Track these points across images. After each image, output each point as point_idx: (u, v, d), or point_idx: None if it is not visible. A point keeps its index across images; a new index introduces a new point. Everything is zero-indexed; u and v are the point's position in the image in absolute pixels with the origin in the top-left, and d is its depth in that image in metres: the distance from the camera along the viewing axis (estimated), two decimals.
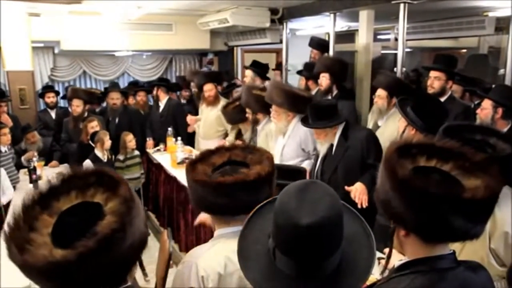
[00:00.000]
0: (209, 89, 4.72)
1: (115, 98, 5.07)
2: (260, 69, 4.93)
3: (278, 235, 0.98)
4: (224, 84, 5.88)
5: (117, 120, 5.08)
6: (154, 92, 5.44)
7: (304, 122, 2.96)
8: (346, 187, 2.69)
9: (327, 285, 0.97)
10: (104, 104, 5.70)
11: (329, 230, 0.94)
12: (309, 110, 2.90)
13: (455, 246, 1.78)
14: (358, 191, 2.65)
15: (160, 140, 5.18)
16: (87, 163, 4.22)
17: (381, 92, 3.36)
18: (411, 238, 1.11)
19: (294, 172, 2.06)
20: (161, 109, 5.36)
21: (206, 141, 4.83)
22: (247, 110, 3.92)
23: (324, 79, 3.98)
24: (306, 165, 3.25)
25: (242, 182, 1.35)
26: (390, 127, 3.12)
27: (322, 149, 2.91)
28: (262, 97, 3.57)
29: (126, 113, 5.17)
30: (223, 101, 4.72)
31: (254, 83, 4.59)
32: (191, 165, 1.46)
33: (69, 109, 5.06)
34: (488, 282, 1.18)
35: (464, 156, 1.14)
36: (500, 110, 2.65)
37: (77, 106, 4.73)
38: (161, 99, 5.35)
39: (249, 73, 4.83)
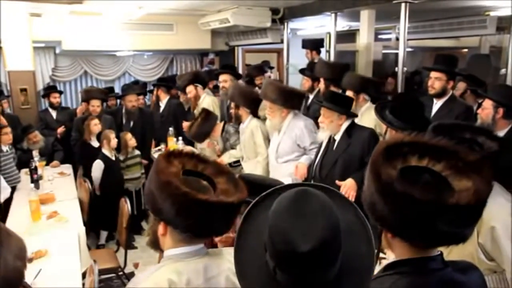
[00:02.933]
0: (189, 91, 4.78)
1: (133, 100, 5.01)
2: (232, 70, 4.94)
3: (276, 258, 0.93)
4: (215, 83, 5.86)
5: (131, 123, 5.05)
6: (155, 92, 5.44)
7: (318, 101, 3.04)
8: (337, 182, 2.75)
9: None
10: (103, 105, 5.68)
11: (330, 250, 0.90)
12: (327, 94, 3.03)
13: None
14: (347, 187, 2.71)
15: (161, 140, 5.18)
16: (98, 163, 4.25)
17: (348, 92, 3.53)
18: (398, 239, 1.09)
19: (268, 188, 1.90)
20: (161, 109, 5.36)
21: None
22: (231, 105, 3.93)
23: (322, 84, 4.07)
24: (304, 160, 3.28)
25: (224, 205, 1.22)
26: (366, 122, 3.22)
27: (323, 136, 2.95)
28: (248, 92, 3.74)
29: (141, 115, 5.13)
30: (207, 98, 4.75)
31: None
32: (167, 157, 1.28)
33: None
34: (480, 283, 1.16)
35: (457, 156, 1.10)
36: (500, 110, 2.65)
37: (98, 106, 4.77)
38: (162, 99, 5.36)
39: (226, 77, 4.69)
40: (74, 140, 4.87)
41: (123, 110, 5.12)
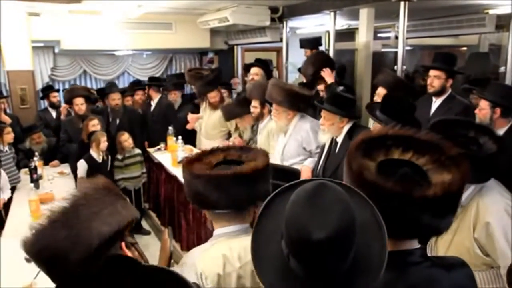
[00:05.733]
0: (213, 96, 4.60)
1: (116, 99, 5.02)
2: (265, 66, 4.80)
3: (290, 245, 0.96)
4: None
5: (117, 121, 5.05)
6: (146, 91, 5.49)
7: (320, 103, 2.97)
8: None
9: (343, 284, 0.96)
10: (99, 105, 5.68)
11: (343, 241, 0.92)
12: (328, 94, 3.00)
13: (445, 239, 1.81)
14: None
15: (154, 139, 5.17)
16: (81, 164, 4.19)
17: (380, 90, 3.47)
18: None
19: (288, 173, 2.05)
20: (152, 108, 5.37)
21: (209, 141, 4.79)
22: (253, 104, 3.81)
23: (327, 77, 3.80)
24: (309, 163, 3.21)
25: (239, 175, 1.38)
26: None
27: (324, 139, 2.90)
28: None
29: (126, 113, 5.14)
30: (226, 100, 4.69)
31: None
32: (189, 163, 1.49)
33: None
34: (465, 281, 1.16)
35: (441, 150, 1.13)
36: (498, 110, 2.64)
37: (81, 104, 4.72)
38: (153, 98, 5.38)
39: (258, 70, 4.55)
40: (63, 141, 4.84)
41: (108, 109, 5.11)
